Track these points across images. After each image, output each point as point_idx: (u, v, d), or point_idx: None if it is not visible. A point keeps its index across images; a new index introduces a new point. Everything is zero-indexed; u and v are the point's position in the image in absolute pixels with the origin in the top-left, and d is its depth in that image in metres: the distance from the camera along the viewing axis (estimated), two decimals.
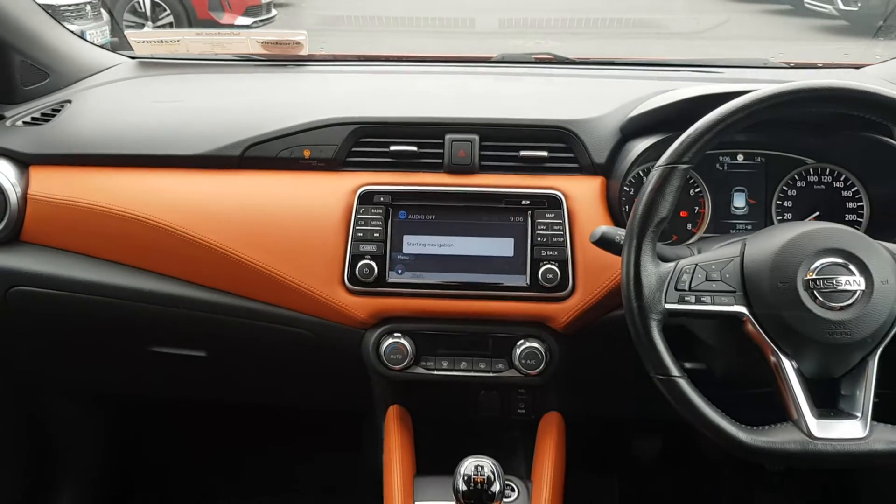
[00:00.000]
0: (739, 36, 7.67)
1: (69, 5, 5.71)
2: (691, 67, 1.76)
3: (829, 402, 1.07)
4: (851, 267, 1.03)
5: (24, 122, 1.49)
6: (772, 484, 1.99)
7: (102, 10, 6.54)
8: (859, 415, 1.03)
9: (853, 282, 1.02)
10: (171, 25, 7.42)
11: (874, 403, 1.05)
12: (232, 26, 7.78)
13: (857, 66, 1.76)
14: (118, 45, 6.84)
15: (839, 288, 1.02)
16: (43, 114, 1.51)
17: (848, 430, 1.02)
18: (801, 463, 1.03)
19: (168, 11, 7.36)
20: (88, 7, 6.09)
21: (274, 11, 8.26)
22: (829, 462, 1.01)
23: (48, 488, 1.85)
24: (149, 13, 7.33)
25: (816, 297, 1.02)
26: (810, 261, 1.03)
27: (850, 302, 1.02)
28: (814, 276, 1.03)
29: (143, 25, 7.33)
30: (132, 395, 1.88)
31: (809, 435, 1.01)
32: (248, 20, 7.80)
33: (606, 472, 2.06)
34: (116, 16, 7.09)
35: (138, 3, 7.30)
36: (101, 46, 1.70)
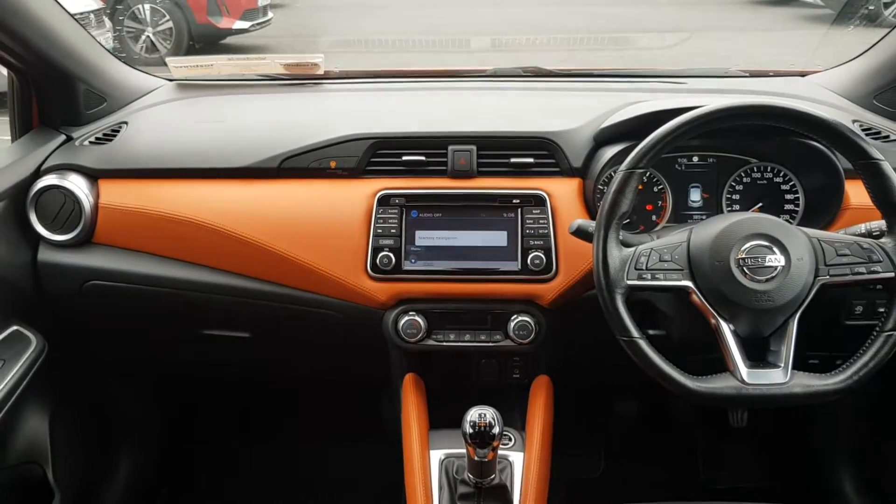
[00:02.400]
0: (730, 28, 7.81)
1: (75, 14, 5.81)
2: (658, 78, 1.96)
3: (759, 356, 1.25)
4: (774, 248, 1.23)
5: (90, 142, 1.68)
6: (737, 437, 2.23)
7: (105, 17, 6.65)
8: (782, 365, 1.21)
9: (775, 259, 1.22)
10: (170, 31, 7.41)
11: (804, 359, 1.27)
12: (230, 31, 7.81)
13: (803, 74, 1.96)
14: (119, 49, 6.97)
15: (764, 264, 1.22)
16: (105, 134, 1.70)
17: (773, 377, 1.20)
18: (736, 404, 1.24)
19: (167, 17, 7.30)
20: (92, 16, 6.19)
21: (270, 14, 8.16)
22: (758, 403, 1.21)
23: (109, 455, 2.04)
24: (148, 19, 7.34)
25: (746, 273, 1.22)
26: (741, 243, 1.24)
27: (772, 275, 1.22)
28: (744, 256, 1.23)
29: (142, 31, 7.37)
30: (184, 374, 2.09)
31: (742, 382, 1.20)
32: (245, 24, 7.74)
33: (593, 432, 2.29)
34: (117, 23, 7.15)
35: (138, 9, 7.31)
36: (110, 52, 1.86)
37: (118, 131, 1.71)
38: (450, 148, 1.59)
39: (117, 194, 1.61)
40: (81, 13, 5.83)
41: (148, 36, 7.35)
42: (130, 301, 1.64)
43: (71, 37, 1.68)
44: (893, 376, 1.29)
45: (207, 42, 7.69)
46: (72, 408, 1.82)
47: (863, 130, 1.62)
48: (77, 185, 1.60)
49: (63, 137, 1.72)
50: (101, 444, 2.02)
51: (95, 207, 1.60)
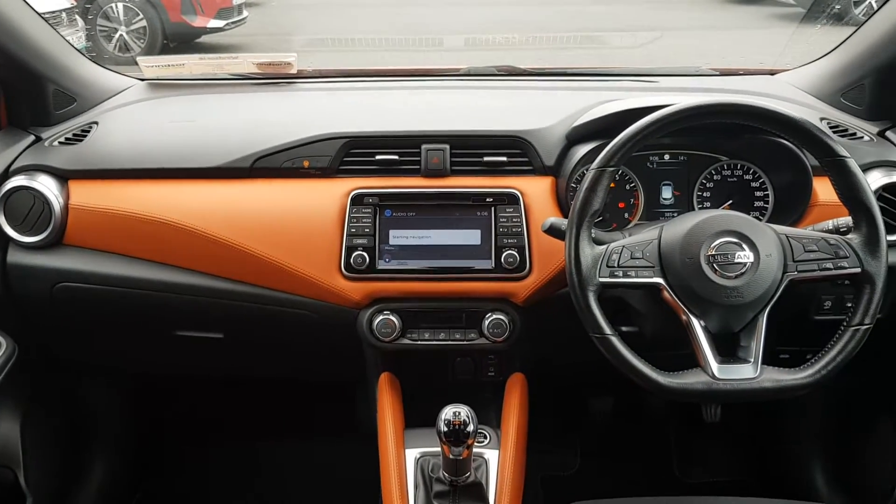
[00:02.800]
0: (703, 27, 7.88)
1: (46, 13, 5.75)
2: (631, 77, 1.98)
3: (730, 352, 1.26)
4: (743, 244, 1.24)
5: (60, 143, 1.66)
6: (710, 432, 2.26)
7: (77, 16, 6.58)
8: (752, 360, 1.23)
9: (744, 256, 1.24)
10: (143, 30, 7.34)
11: (774, 354, 1.29)
12: (205, 29, 7.75)
13: (772, 73, 1.99)
14: (92, 49, 6.90)
15: (733, 261, 1.23)
16: (75, 134, 1.68)
17: (743, 372, 1.22)
18: (707, 399, 1.26)
19: (141, 16, 7.23)
20: (64, 14, 6.12)
21: (245, 13, 8.07)
22: (728, 397, 1.23)
23: (82, 458, 2.02)
24: (121, 18, 7.27)
25: (716, 269, 1.23)
26: (711, 240, 1.25)
27: (741, 272, 1.23)
28: (713, 253, 1.24)
29: (116, 30, 7.31)
30: (158, 376, 2.07)
31: (713, 377, 1.21)
32: (220, 22, 7.66)
33: (568, 429, 2.31)
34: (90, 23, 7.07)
35: (111, 8, 7.23)
36: (80, 51, 1.86)
37: (88, 131, 1.70)
38: (423, 147, 1.59)
39: (88, 195, 1.60)
40: (52, 12, 5.75)
41: (121, 35, 7.28)
42: (102, 303, 1.62)
43: (39, 36, 1.66)
44: (861, 369, 1.31)
45: (182, 41, 7.63)
46: (43, 411, 1.81)
47: (830, 128, 1.64)
48: (46, 186, 1.58)
49: (32, 138, 1.70)
50: (74, 447, 2.01)
51: (65, 208, 1.59)
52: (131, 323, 1.70)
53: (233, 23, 7.87)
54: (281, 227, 1.55)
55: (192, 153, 1.62)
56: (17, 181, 1.58)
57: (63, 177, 1.61)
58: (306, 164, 1.59)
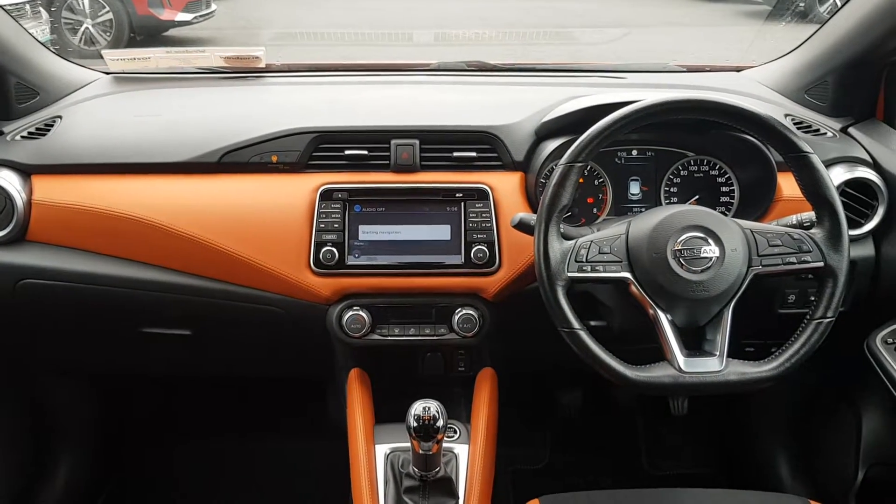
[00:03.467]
0: (673, 23, 7.95)
1: (9, 5, 5.63)
2: (599, 73, 1.99)
3: (696, 345, 1.28)
4: (709, 239, 1.26)
5: (23, 137, 1.63)
6: (678, 425, 2.29)
7: (41, 9, 6.46)
8: (718, 353, 1.24)
9: (710, 250, 1.25)
10: (110, 23, 7.24)
11: (740, 347, 1.30)
12: (172, 23, 7.65)
13: (738, 69, 2.01)
14: (57, 42, 6.78)
15: (699, 255, 1.25)
16: (38, 128, 1.65)
17: (709, 365, 1.23)
18: (673, 392, 1.27)
19: (107, 8, 7.10)
20: (28, 7, 6.01)
21: (214, 6, 7.94)
22: (694, 390, 1.24)
23: (47, 460, 1.99)
24: (87, 10, 7.15)
25: (682, 264, 1.25)
26: (677, 235, 1.26)
27: (707, 266, 1.25)
28: (680, 247, 1.25)
29: (81, 23, 7.20)
30: (124, 374, 2.05)
31: (679, 370, 1.23)
32: (188, 16, 7.56)
33: (538, 423, 2.32)
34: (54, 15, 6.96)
35: (76, 0, 7.16)
36: (43, 44, 1.83)
37: (52, 125, 1.67)
38: (392, 142, 1.59)
39: (51, 190, 1.57)
40: (15, 4, 5.63)
41: (87, 28, 7.16)
42: (67, 300, 1.60)
43: (0, 28, 1.63)
44: (823, 362, 1.33)
45: (149, 34, 7.52)
46: (7, 410, 1.78)
47: (795, 124, 1.66)
48: (8, 181, 1.55)
49: None
50: (39, 447, 1.98)
51: (28, 204, 1.56)
52: (97, 320, 1.67)
53: (201, 16, 7.77)
54: (249, 222, 1.53)
55: (158, 148, 1.59)
56: None
57: (26, 172, 1.59)
58: (275, 158, 1.58)
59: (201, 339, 1.70)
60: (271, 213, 1.54)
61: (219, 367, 1.88)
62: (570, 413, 2.33)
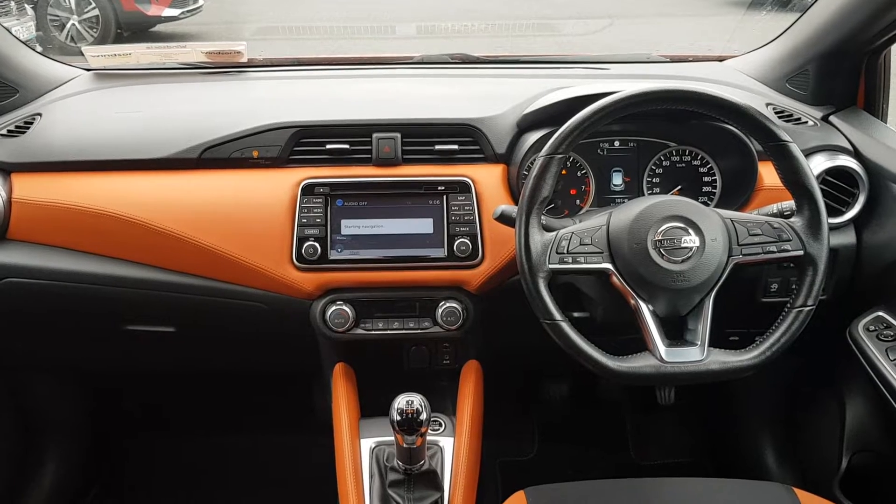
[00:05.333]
0: (657, 13, 7.94)
1: None
2: (583, 64, 1.99)
3: (677, 335, 1.28)
4: (689, 229, 1.26)
5: (2, 135, 1.62)
6: (664, 415, 2.30)
7: (27, 5, 6.41)
8: (699, 343, 1.25)
9: (690, 240, 1.25)
10: (96, 19, 7.20)
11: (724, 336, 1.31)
12: (159, 18, 7.61)
13: (721, 59, 2.01)
14: (43, 38, 6.73)
15: (680, 245, 1.25)
16: (17, 126, 1.64)
17: (690, 355, 1.24)
18: (655, 381, 1.28)
19: (93, 5, 7.07)
20: (13, 4, 5.96)
21: (201, 1, 7.92)
22: (677, 380, 1.25)
23: (35, 459, 1.99)
24: (73, 7, 7.11)
25: (663, 254, 1.25)
26: (657, 225, 1.27)
27: (688, 256, 1.25)
28: (660, 238, 1.26)
29: (68, 20, 7.16)
30: (109, 371, 2.05)
31: (661, 360, 1.23)
32: (175, 11, 7.52)
33: (524, 415, 2.33)
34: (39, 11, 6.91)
35: None
36: (27, 42, 1.82)
37: (31, 123, 1.66)
38: (374, 135, 1.58)
39: (32, 188, 1.56)
40: (0, 2, 5.61)
41: (73, 24, 7.12)
42: (49, 298, 1.59)
43: None
44: (805, 350, 1.34)
45: (136, 30, 7.49)
46: None
47: (776, 113, 1.67)
48: None
49: None
50: (26, 444, 1.97)
51: (9, 202, 1.55)
52: (80, 318, 1.66)
53: (188, 11, 7.74)
54: (231, 218, 1.53)
55: (139, 144, 1.59)
56: None
57: (5, 170, 1.58)
58: (255, 154, 1.57)
59: (185, 336, 1.69)
60: (253, 209, 1.54)
61: (204, 363, 1.87)
62: (557, 405, 2.34)
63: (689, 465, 2.25)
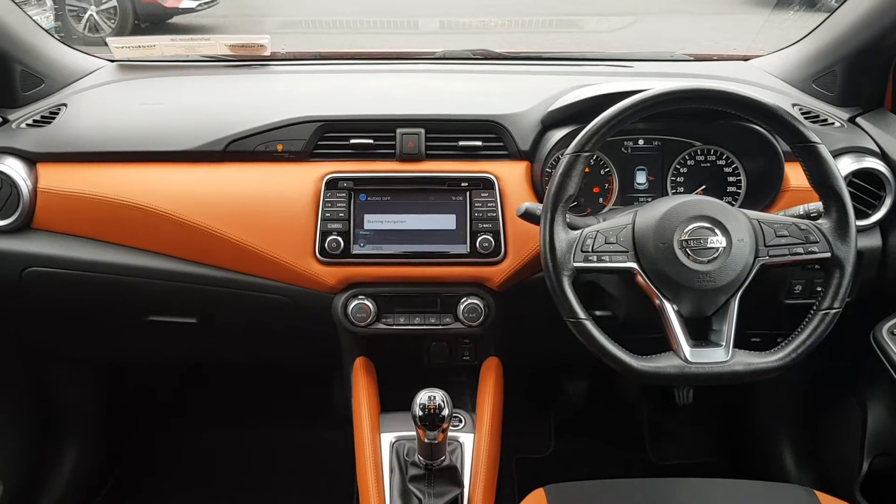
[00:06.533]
0: (678, 11, 7.89)
1: None
2: (606, 61, 1.97)
3: (702, 335, 1.27)
4: (715, 229, 1.25)
5: (28, 125, 1.63)
6: (683, 415, 2.29)
7: None
8: (724, 343, 1.24)
9: (716, 241, 1.24)
10: (114, 10, 7.23)
11: (746, 337, 1.30)
12: (176, 10, 7.65)
13: (745, 58, 2.00)
14: (61, 28, 6.76)
15: (706, 246, 1.24)
16: (43, 116, 1.65)
17: (715, 356, 1.23)
18: (679, 382, 1.28)
19: None
20: None
21: None
22: (700, 380, 1.24)
23: (55, 447, 2.00)
24: None
25: (689, 254, 1.24)
26: (684, 225, 1.26)
27: (714, 256, 1.24)
28: (686, 238, 1.25)
29: (85, 10, 7.19)
30: (130, 362, 2.06)
31: (686, 360, 1.22)
32: (192, 3, 7.53)
33: (542, 411, 2.33)
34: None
35: None
36: (48, 31, 1.83)
37: (57, 113, 1.67)
38: (398, 131, 1.58)
39: (57, 178, 1.57)
40: None
41: (91, 15, 7.16)
42: (73, 288, 1.60)
43: (6, 16, 1.63)
44: (828, 352, 1.33)
45: (153, 22, 7.52)
46: (13, 397, 1.79)
47: (802, 114, 1.65)
48: (14, 168, 1.55)
49: None
50: (46, 435, 1.99)
51: (34, 192, 1.56)
52: (103, 308, 1.67)
53: (205, 3, 7.76)
54: (255, 211, 1.53)
55: (164, 136, 1.59)
56: None
57: (31, 160, 1.58)
58: (280, 147, 1.57)
59: (207, 328, 1.70)
60: (277, 202, 1.54)
61: (224, 355, 1.88)
62: (575, 402, 2.34)
63: (705, 465, 2.25)
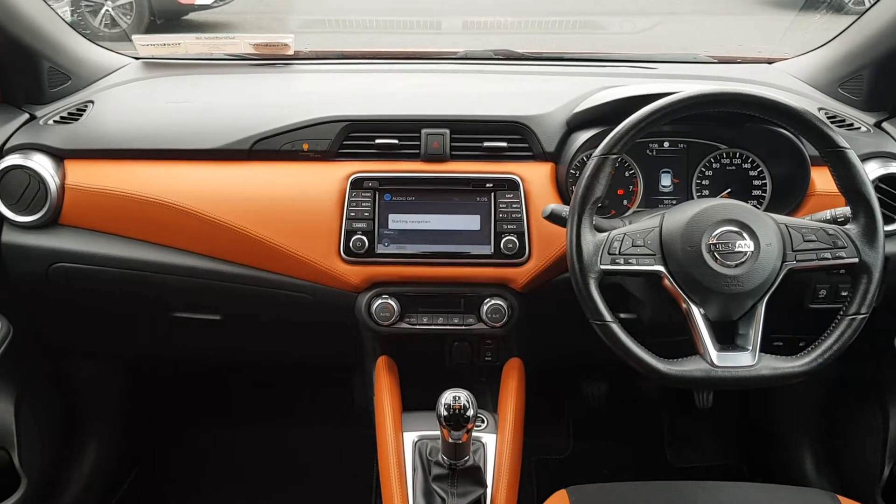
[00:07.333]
0: (698, 12, 7.84)
1: None
2: (630, 63, 1.97)
3: (728, 339, 1.27)
4: (744, 233, 1.25)
5: (55, 121, 1.64)
6: (702, 417, 2.29)
7: None
8: (750, 348, 1.24)
9: (744, 245, 1.24)
10: (130, 5, 7.25)
11: (768, 341, 1.30)
12: (192, 6, 7.65)
13: (770, 61, 1.99)
14: (77, 24, 6.79)
15: (734, 250, 1.24)
16: (70, 113, 1.66)
17: (741, 360, 1.23)
18: (705, 386, 1.27)
19: None
20: None
21: None
22: (727, 384, 1.23)
23: (76, 441, 2.02)
24: None
25: (717, 258, 1.24)
26: (712, 229, 1.26)
27: (742, 261, 1.24)
28: (714, 241, 1.25)
29: (102, 5, 7.21)
30: (155, 357, 2.06)
31: (712, 364, 1.22)
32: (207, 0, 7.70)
33: (561, 413, 2.33)
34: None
35: None
36: (75, 29, 1.83)
37: (84, 110, 1.68)
38: (423, 131, 1.58)
39: (84, 175, 1.58)
40: None
41: (107, 10, 7.17)
42: (98, 283, 1.61)
43: (33, 12, 1.64)
44: (851, 357, 1.32)
45: (169, 17, 7.53)
46: (38, 392, 1.80)
47: (828, 118, 1.65)
48: (42, 165, 1.56)
49: (26, 116, 1.68)
50: (68, 430, 2.00)
51: (62, 188, 1.57)
52: (128, 304, 1.69)
53: (220, 0, 7.76)
54: (280, 209, 1.54)
55: (190, 134, 1.60)
56: (12, 160, 1.57)
57: (59, 156, 1.60)
58: (306, 146, 1.58)
59: (231, 324, 1.71)
60: (302, 201, 1.55)
61: (247, 352, 1.89)
62: (594, 403, 2.34)
63: (726, 468, 2.24)
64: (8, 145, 1.60)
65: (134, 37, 1.91)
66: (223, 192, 1.55)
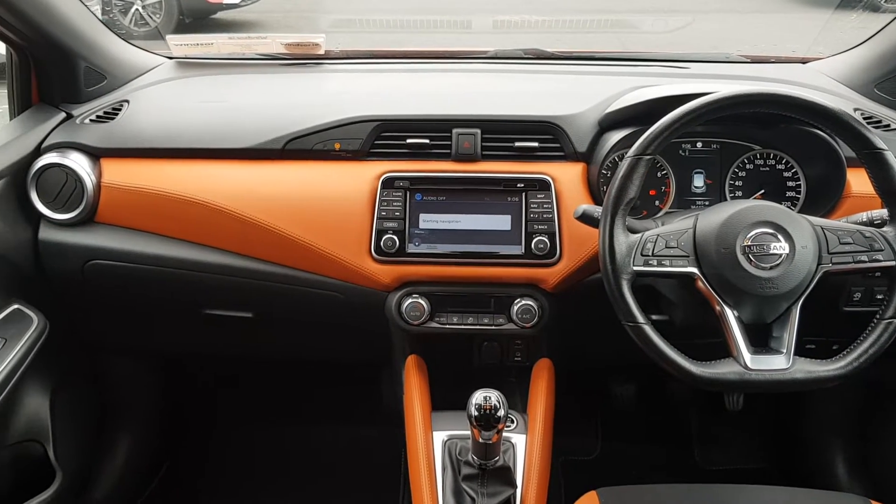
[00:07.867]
0: (721, 10, 7.76)
1: None
2: (662, 62, 1.96)
3: (762, 342, 1.26)
4: (779, 235, 1.24)
5: (91, 120, 1.67)
6: (731, 419, 2.27)
7: None
8: (785, 351, 1.22)
9: (780, 247, 1.23)
10: (159, 4, 7.30)
11: (801, 344, 1.29)
12: (220, 5, 7.71)
13: (804, 61, 1.97)
14: (107, 23, 6.86)
15: (769, 252, 1.23)
16: (106, 112, 1.69)
17: (776, 363, 1.22)
18: (739, 389, 1.26)
19: None
20: None
21: None
22: (761, 388, 1.22)
23: (109, 435, 2.05)
24: None
25: (751, 260, 1.23)
26: (747, 231, 1.25)
27: (777, 263, 1.23)
28: (749, 243, 1.24)
29: (132, 5, 7.30)
30: (187, 354, 2.09)
31: (746, 367, 1.21)
32: None
33: (589, 413, 2.32)
34: None
35: None
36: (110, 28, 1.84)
37: (119, 110, 1.70)
38: (454, 131, 1.58)
39: (120, 173, 1.60)
40: None
41: (137, 9, 7.25)
42: (133, 281, 1.64)
43: (70, 12, 1.66)
44: (884, 360, 1.31)
45: (197, 16, 7.60)
46: (72, 387, 1.82)
47: (864, 119, 1.62)
48: (79, 163, 1.59)
49: (63, 115, 1.71)
50: (101, 425, 2.03)
51: (98, 186, 1.60)
52: (161, 301, 1.71)
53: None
54: (312, 208, 1.55)
55: (224, 134, 1.62)
56: (49, 158, 1.59)
57: (95, 155, 1.62)
58: (337, 146, 1.59)
59: (262, 322, 1.72)
60: (334, 201, 1.56)
61: (278, 350, 1.90)
62: (623, 404, 2.33)
63: (755, 471, 2.22)
64: (45, 144, 1.63)
65: (168, 37, 1.93)
66: (256, 192, 1.57)
